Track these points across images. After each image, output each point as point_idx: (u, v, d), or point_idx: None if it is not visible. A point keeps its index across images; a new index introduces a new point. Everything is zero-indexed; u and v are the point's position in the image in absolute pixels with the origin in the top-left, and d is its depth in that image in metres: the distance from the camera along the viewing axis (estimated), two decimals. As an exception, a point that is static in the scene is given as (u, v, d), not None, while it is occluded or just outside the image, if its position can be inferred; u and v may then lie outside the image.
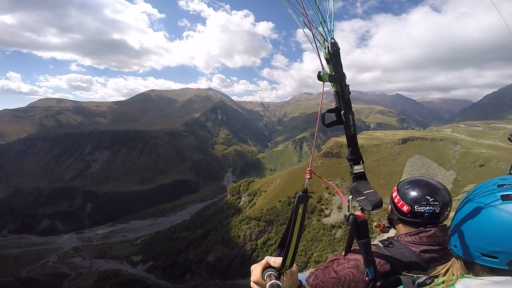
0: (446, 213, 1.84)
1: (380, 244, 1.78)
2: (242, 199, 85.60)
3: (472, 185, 63.28)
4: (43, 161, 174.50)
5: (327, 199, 72.91)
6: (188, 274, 70.73)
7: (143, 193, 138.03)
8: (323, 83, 1.26)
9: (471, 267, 1.12)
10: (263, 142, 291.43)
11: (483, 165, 66.97)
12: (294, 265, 1.35)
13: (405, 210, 1.91)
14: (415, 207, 1.85)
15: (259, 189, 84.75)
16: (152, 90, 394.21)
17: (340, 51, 1.23)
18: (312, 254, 59.30)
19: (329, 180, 77.87)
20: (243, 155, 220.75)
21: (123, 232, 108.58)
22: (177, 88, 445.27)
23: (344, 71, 1.25)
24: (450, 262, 1.24)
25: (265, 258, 1.39)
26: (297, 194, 1.28)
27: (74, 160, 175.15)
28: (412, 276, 1.39)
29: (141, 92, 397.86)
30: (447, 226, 1.71)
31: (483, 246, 1.02)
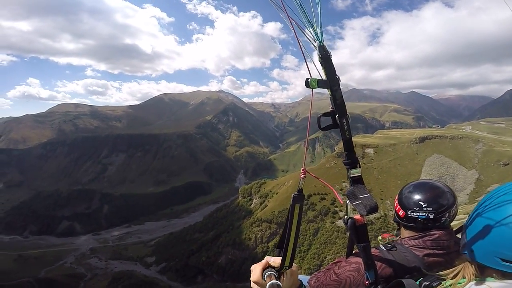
0: (444, 218, 1.81)
1: (383, 247, 1.76)
2: (254, 201, 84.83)
3: (496, 185, 59.51)
4: (62, 165, 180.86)
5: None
6: (200, 276, 70.69)
7: (157, 195, 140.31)
8: (312, 90, 1.25)
9: (483, 271, 1.12)
10: (275, 143, 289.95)
11: (508, 164, 62.94)
12: (294, 264, 1.35)
13: (401, 214, 1.93)
14: (409, 212, 1.87)
15: (270, 191, 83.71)
16: (165, 94, 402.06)
17: (330, 55, 1.20)
18: (326, 257, 57.62)
19: (342, 182, 76.05)
20: (255, 156, 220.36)
21: (138, 233, 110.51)
22: (189, 91, 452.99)
23: (337, 75, 1.24)
24: (461, 266, 1.22)
25: (265, 258, 1.39)
26: (293, 194, 1.28)
27: (92, 163, 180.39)
28: (418, 278, 1.38)
29: (154, 96, 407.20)
30: (453, 229, 1.82)
31: (505, 251, 1.00)
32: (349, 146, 1.44)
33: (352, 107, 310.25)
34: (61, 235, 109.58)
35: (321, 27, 1.16)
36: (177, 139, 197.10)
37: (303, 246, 63.33)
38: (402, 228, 2.02)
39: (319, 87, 1.23)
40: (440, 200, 1.81)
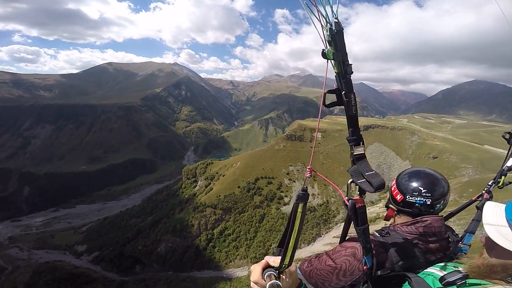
0: (439, 205, 1.91)
1: (377, 234, 1.79)
2: (198, 183, 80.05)
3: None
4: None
5: (287, 186, 70.61)
6: (138, 266, 64.99)
7: (91, 174, 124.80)
8: (327, 61, 1.26)
9: None
10: (230, 120, 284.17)
11: (436, 157, 69.01)
12: (293, 264, 1.36)
13: (398, 199, 2.01)
14: (407, 196, 1.94)
15: (217, 173, 79.68)
16: (110, 63, 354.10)
17: (343, 30, 1.23)
18: (271, 245, 56.89)
19: (289, 165, 75.54)
20: (207, 133, 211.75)
21: (67, 218, 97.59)
22: (139, 62, 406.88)
23: (346, 51, 1.25)
24: (498, 262, 1.13)
25: (265, 258, 1.39)
26: (297, 193, 1.29)
27: (10, 136, 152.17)
28: (421, 267, 1.42)
29: (97, 65, 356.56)
30: (443, 217, 1.94)
31: None
32: (354, 122, 1.43)
33: (306, 92, 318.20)
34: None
35: (338, 4, 1.20)
36: (118, 110, 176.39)
37: (249, 233, 61.64)
38: (396, 214, 2.08)
39: (333, 59, 1.24)
40: (437, 187, 1.89)
